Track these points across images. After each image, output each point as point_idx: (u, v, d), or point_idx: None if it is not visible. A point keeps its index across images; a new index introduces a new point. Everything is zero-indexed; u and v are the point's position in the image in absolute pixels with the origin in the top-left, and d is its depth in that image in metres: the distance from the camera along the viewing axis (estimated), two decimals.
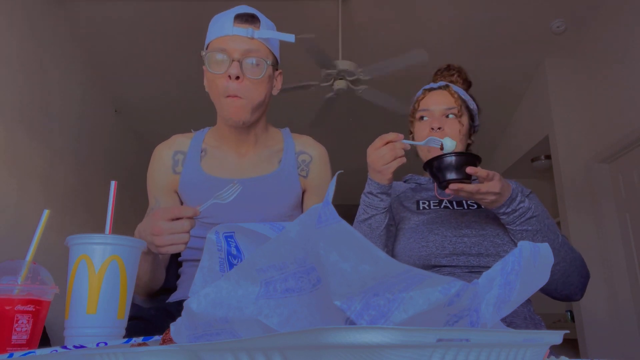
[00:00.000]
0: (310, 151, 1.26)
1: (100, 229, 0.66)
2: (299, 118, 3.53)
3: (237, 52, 1.06)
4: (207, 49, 1.12)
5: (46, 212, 0.66)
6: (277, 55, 1.16)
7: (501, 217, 1.10)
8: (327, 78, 3.19)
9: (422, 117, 1.26)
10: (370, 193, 1.11)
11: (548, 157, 4.20)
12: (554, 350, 0.88)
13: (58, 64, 3.28)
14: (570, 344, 3.66)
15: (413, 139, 1.31)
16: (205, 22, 1.14)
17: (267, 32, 1.08)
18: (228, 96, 1.07)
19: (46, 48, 3.13)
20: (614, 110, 3.31)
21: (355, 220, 1.16)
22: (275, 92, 1.19)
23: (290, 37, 1.09)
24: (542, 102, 3.94)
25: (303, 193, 1.25)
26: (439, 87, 1.29)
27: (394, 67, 3.02)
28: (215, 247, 0.55)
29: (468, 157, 1.04)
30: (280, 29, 1.18)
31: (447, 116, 1.24)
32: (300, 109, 3.74)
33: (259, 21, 1.10)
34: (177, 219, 0.85)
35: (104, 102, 4.07)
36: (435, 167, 1.05)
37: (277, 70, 1.17)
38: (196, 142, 1.22)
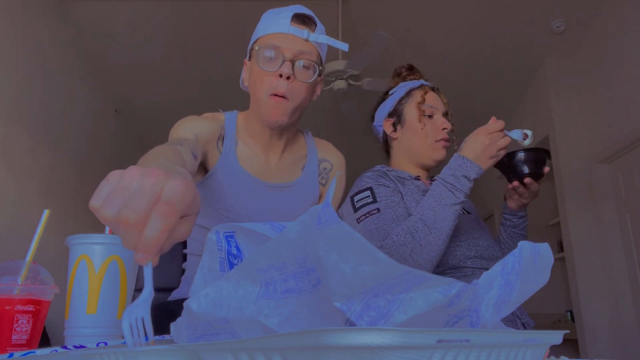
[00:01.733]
0: (332, 159, 1.26)
1: (100, 229, 0.66)
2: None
3: (290, 51, 1.04)
4: (256, 42, 1.08)
5: (46, 212, 0.66)
6: (324, 58, 1.14)
7: (512, 219, 1.17)
8: (330, 76, 3.18)
9: (429, 115, 1.26)
10: (466, 177, 1.03)
11: (548, 157, 4.20)
12: (554, 350, 0.88)
13: (58, 64, 3.28)
14: (570, 344, 3.66)
15: (404, 124, 1.31)
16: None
17: (322, 37, 1.06)
18: (273, 95, 1.04)
19: (46, 48, 3.12)
20: (614, 110, 3.31)
21: (437, 204, 1.04)
22: (314, 97, 1.16)
23: (344, 46, 1.06)
24: (542, 102, 3.94)
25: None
26: (432, 88, 1.32)
27: (370, 55, 2.98)
28: (216, 246, 0.55)
29: (548, 156, 1.12)
30: None
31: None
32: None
33: (315, 24, 1.08)
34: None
35: (104, 102, 4.07)
36: (523, 157, 1.10)
37: (320, 76, 1.14)
38: (230, 128, 1.16)
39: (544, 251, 0.43)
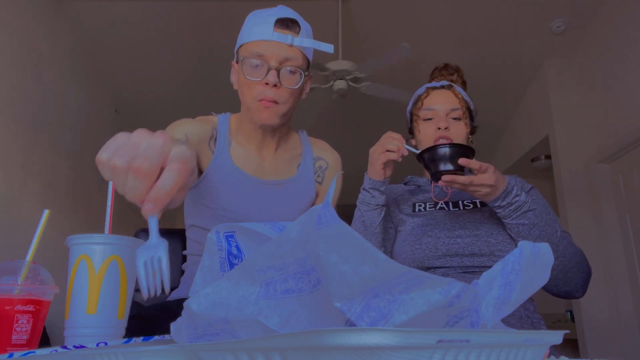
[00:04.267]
0: (327, 157, 1.27)
1: (100, 229, 0.66)
2: (303, 120, 3.52)
3: (275, 59, 1.04)
4: (241, 48, 1.09)
5: (46, 212, 0.66)
6: (311, 59, 1.14)
7: (497, 210, 1.11)
8: (327, 80, 3.19)
9: (427, 118, 1.26)
10: (364, 189, 1.14)
11: (548, 157, 4.20)
12: (554, 350, 0.88)
13: (58, 64, 3.28)
14: (570, 344, 3.66)
15: (414, 137, 1.31)
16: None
17: (306, 40, 1.06)
18: (262, 100, 1.05)
19: (46, 48, 3.12)
20: (613, 110, 3.31)
21: (354, 220, 1.18)
22: (304, 95, 1.17)
23: (329, 48, 1.06)
24: (542, 102, 3.94)
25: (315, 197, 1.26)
26: (442, 87, 1.30)
27: (385, 63, 3.00)
28: (216, 246, 0.55)
29: (461, 149, 1.03)
30: None
31: (452, 117, 1.25)
32: (304, 112, 3.73)
33: (299, 27, 1.07)
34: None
35: (104, 102, 4.07)
36: (427, 158, 1.04)
37: (308, 74, 1.14)
38: (223, 129, 1.18)
39: (544, 251, 0.43)
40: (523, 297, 0.41)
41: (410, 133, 1.36)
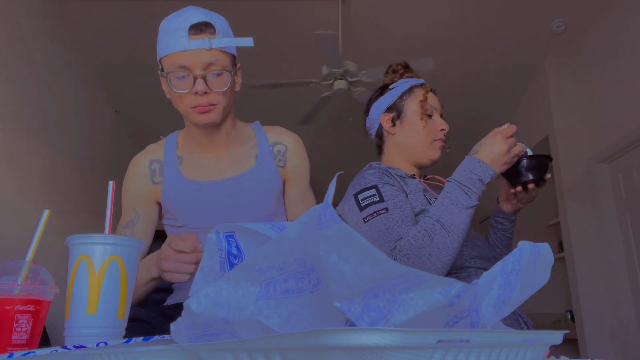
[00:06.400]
0: (284, 141, 1.23)
1: (100, 229, 0.66)
2: (291, 115, 3.51)
3: (198, 66, 1.02)
4: (163, 61, 1.06)
5: (46, 212, 0.66)
6: (235, 53, 1.11)
7: (504, 223, 1.18)
8: (329, 77, 3.18)
9: (430, 114, 1.26)
10: (481, 180, 1.04)
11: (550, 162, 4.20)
12: (554, 350, 0.88)
13: (58, 63, 3.28)
14: (570, 344, 3.66)
15: (404, 120, 1.29)
16: None
17: (224, 40, 1.04)
18: (196, 107, 1.05)
19: (46, 48, 3.12)
20: (613, 110, 3.31)
21: (454, 206, 1.04)
22: (237, 87, 1.15)
23: (248, 42, 1.04)
24: (542, 102, 3.94)
25: (283, 183, 1.22)
26: (430, 89, 1.31)
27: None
28: (216, 246, 0.55)
29: (550, 161, 1.13)
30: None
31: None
32: (293, 106, 3.71)
33: (214, 27, 1.04)
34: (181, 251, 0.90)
35: (104, 102, 4.07)
36: (529, 164, 1.12)
37: (235, 66, 1.11)
38: (170, 149, 1.19)
39: (544, 251, 0.43)
40: (523, 297, 0.41)
41: (391, 113, 1.30)
